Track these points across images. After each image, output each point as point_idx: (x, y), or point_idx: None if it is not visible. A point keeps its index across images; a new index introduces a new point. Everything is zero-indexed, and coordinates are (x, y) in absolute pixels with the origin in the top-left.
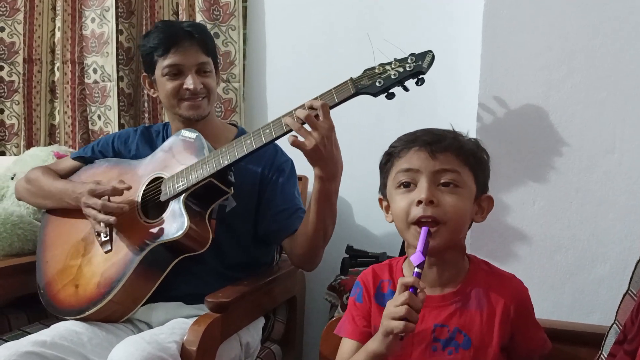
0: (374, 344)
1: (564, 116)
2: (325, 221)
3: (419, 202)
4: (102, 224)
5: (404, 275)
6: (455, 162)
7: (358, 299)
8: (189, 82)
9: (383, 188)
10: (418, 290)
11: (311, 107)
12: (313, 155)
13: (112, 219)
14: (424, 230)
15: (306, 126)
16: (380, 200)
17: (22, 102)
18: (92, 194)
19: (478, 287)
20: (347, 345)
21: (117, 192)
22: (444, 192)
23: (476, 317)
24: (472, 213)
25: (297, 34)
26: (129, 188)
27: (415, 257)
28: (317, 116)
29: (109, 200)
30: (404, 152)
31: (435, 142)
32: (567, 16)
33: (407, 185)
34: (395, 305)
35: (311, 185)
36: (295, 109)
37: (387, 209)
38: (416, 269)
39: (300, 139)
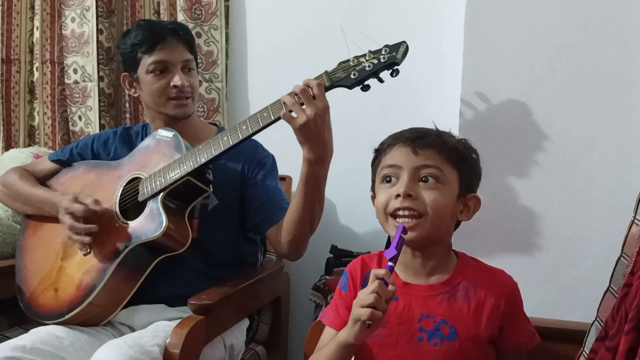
0: (344, 333)
1: (546, 114)
2: (313, 207)
3: (398, 195)
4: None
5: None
6: (437, 158)
7: (343, 288)
8: (177, 80)
9: (373, 185)
10: (388, 282)
11: (307, 85)
12: (303, 132)
13: (86, 239)
14: (399, 227)
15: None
16: (372, 198)
17: (1, 102)
18: (65, 211)
19: (466, 279)
20: (328, 333)
21: (89, 212)
22: (424, 188)
23: (463, 308)
24: (456, 211)
25: (280, 33)
26: (103, 211)
27: (389, 251)
28: (313, 95)
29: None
30: (390, 148)
31: (418, 138)
32: (550, 14)
33: (389, 180)
34: (365, 294)
35: (295, 185)
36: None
37: None
38: (389, 263)
39: (294, 114)
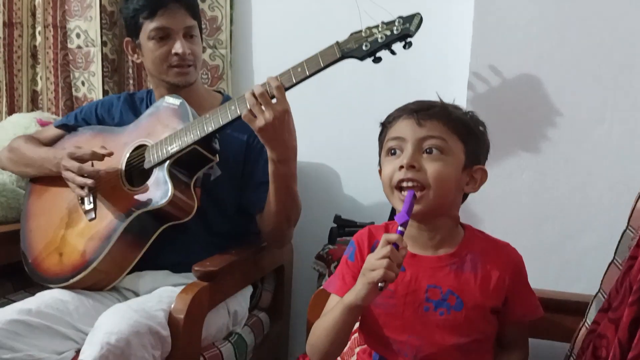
0: (351, 295)
1: (554, 86)
2: (284, 202)
3: (401, 167)
4: (84, 189)
5: None
6: (442, 129)
7: (350, 258)
8: (178, 47)
9: (379, 158)
10: (400, 247)
11: (270, 85)
12: (262, 135)
13: (89, 181)
14: (409, 192)
15: None
16: (380, 172)
17: (3, 67)
18: (70, 156)
19: (474, 251)
20: (333, 301)
21: (97, 156)
22: (427, 159)
23: (470, 279)
24: (462, 183)
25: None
26: (110, 154)
27: (399, 216)
28: (273, 96)
29: (91, 164)
30: (395, 121)
31: (422, 110)
32: None
33: (394, 153)
34: (376, 258)
35: None
36: (256, 85)
37: None
38: (399, 227)
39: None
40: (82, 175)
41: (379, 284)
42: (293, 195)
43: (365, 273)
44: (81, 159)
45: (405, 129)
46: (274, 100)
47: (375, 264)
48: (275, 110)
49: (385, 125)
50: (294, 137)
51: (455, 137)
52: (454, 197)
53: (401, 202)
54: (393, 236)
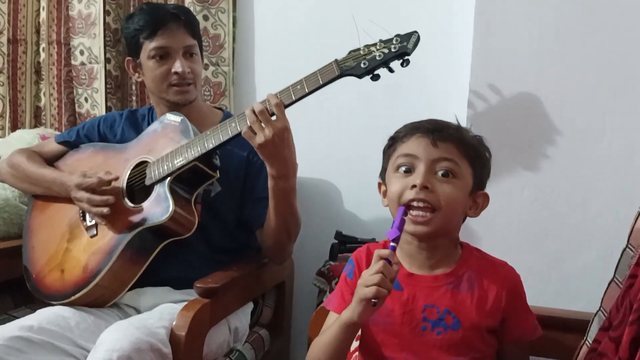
0: (347, 312)
1: (554, 103)
2: (284, 218)
3: (414, 186)
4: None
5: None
6: (455, 152)
7: (349, 276)
8: (177, 66)
9: (383, 172)
10: (392, 262)
11: (269, 102)
12: (262, 151)
13: (105, 209)
14: (400, 208)
15: None
16: (380, 185)
17: (7, 83)
18: (79, 187)
19: (471, 270)
20: (332, 318)
21: (103, 183)
22: (440, 181)
23: (467, 299)
24: (466, 207)
25: (287, 17)
26: (116, 178)
27: (391, 232)
28: (273, 114)
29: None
30: (407, 137)
31: (437, 130)
32: (559, 4)
33: (405, 170)
34: (369, 274)
35: None
36: (255, 103)
37: (385, 193)
38: (391, 243)
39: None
40: (94, 205)
41: (372, 301)
42: (293, 210)
43: (359, 290)
44: (90, 189)
45: (419, 147)
46: (273, 118)
47: (368, 280)
48: (274, 128)
49: (396, 140)
50: (293, 153)
51: (466, 161)
52: (458, 220)
53: (407, 220)
54: (385, 252)
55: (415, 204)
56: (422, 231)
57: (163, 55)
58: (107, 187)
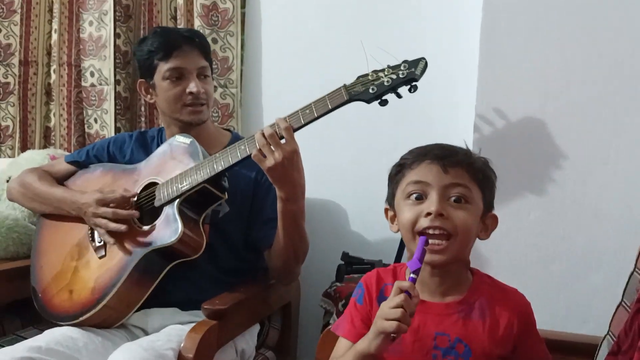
0: (364, 343)
1: (560, 127)
2: (293, 240)
3: (428, 214)
4: (107, 233)
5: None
6: (465, 177)
7: (359, 301)
8: (192, 86)
9: (391, 198)
10: (412, 295)
11: (279, 126)
12: (271, 174)
13: (123, 227)
14: (421, 239)
15: None
16: (386, 210)
17: (18, 104)
18: (100, 203)
19: (482, 298)
20: (342, 344)
21: (126, 199)
22: (453, 207)
23: (478, 327)
24: (478, 230)
25: (294, 41)
26: (134, 196)
27: (412, 263)
28: (282, 137)
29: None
30: (416, 164)
31: (447, 156)
32: (564, 28)
33: (417, 197)
34: (390, 307)
35: None
36: (265, 127)
37: (393, 219)
38: (412, 275)
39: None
40: (116, 220)
41: (392, 335)
42: (301, 232)
43: (378, 322)
44: (110, 204)
45: (429, 174)
46: (282, 141)
47: (389, 313)
48: (284, 151)
49: (404, 167)
50: (302, 176)
51: (476, 185)
52: (471, 245)
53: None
54: (405, 284)
55: (431, 231)
56: (439, 260)
57: (178, 77)
58: (127, 204)
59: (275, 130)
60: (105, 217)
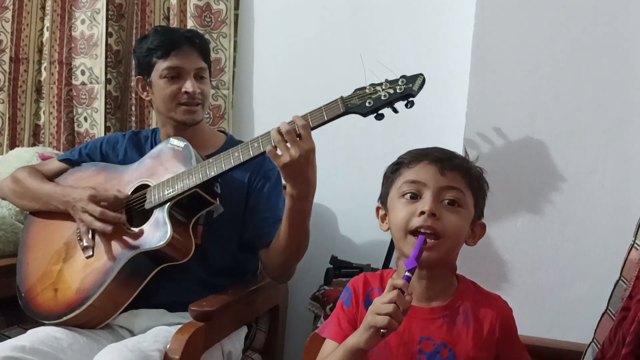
0: (354, 338)
1: (549, 137)
2: (298, 238)
3: (422, 213)
4: (88, 233)
5: None
6: (461, 182)
7: (346, 303)
8: (188, 86)
9: (384, 196)
10: (405, 293)
11: (295, 127)
12: (286, 171)
13: (108, 228)
14: (420, 238)
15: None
16: (378, 209)
17: (7, 101)
18: (92, 200)
19: (466, 303)
20: (329, 346)
21: (118, 200)
22: (446, 209)
23: (462, 332)
24: (466, 236)
25: (288, 44)
26: (127, 197)
27: (408, 262)
28: (299, 135)
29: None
30: (414, 164)
31: (446, 159)
32: (554, 41)
33: (411, 196)
34: (382, 302)
35: None
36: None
37: (383, 218)
38: (407, 273)
39: (279, 152)
40: (102, 220)
41: (381, 330)
42: (306, 231)
43: (369, 316)
44: (102, 203)
45: (426, 174)
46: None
47: (381, 308)
48: (301, 148)
49: (401, 165)
50: (316, 174)
51: (470, 192)
52: (459, 249)
53: (411, 247)
54: (399, 282)
55: (422, 230)
56: (426, 257)
57: (175, 75)
58: (120, 205)
59: (293, 127)
60: (92, 215)
